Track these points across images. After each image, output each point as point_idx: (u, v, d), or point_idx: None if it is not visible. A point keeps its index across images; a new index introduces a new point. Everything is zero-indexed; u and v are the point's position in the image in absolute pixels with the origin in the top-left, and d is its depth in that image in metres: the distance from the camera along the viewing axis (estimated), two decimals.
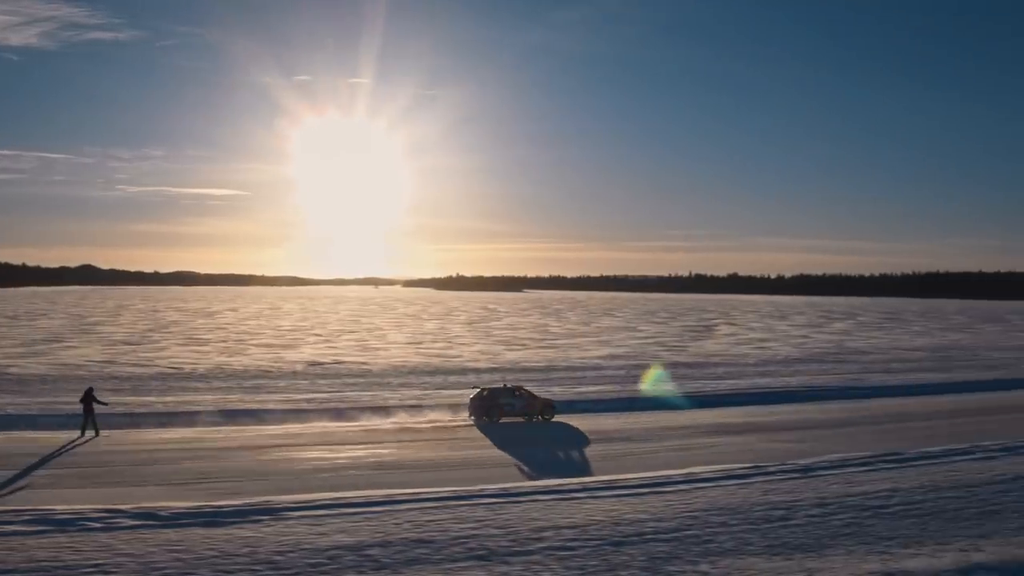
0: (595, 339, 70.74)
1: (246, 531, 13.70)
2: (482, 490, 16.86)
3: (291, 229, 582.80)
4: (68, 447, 22.68)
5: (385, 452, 22.91)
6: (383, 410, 30.16)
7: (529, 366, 46.69)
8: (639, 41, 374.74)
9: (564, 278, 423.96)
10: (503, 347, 60.90)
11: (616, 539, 13.61)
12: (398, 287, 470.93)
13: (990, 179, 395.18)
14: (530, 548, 13.00)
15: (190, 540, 13.10)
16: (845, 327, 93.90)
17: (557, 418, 28.74)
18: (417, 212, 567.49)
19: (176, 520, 14.26)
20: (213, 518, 14.38)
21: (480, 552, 12.76)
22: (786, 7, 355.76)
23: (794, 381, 40.42)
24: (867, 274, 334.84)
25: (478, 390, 29.33)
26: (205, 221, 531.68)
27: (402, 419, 28.79)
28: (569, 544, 13.26)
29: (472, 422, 28.04)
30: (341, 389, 35.53)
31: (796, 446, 24.01)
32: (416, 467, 20.75)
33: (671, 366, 46.18)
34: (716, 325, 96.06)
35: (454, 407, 30.02)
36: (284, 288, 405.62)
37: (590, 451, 23.68)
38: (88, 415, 24.42)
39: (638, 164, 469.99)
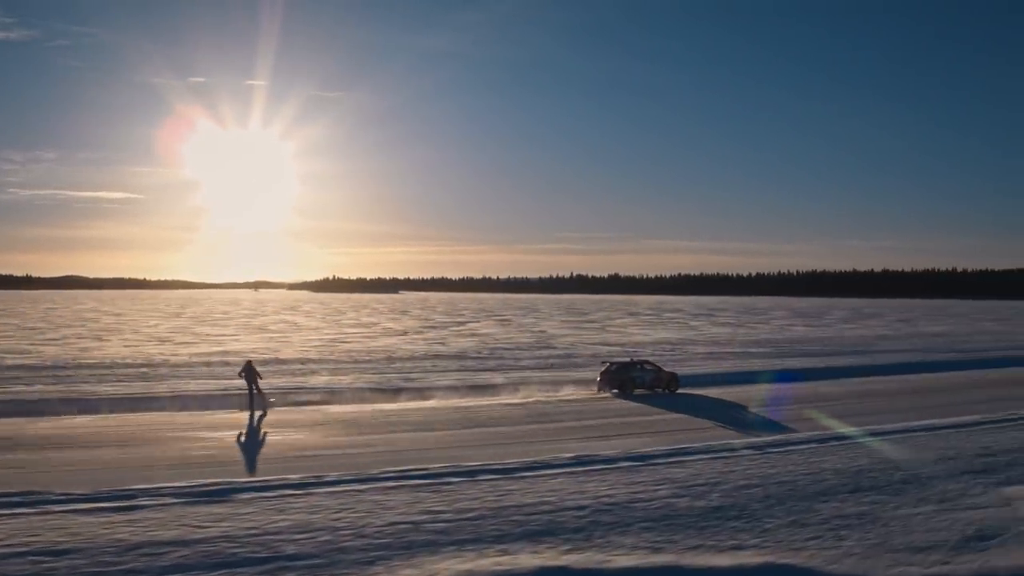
0: (267, 335, 61.42)
1: None
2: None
3: (187, 233, 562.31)
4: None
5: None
6: None
7: (111, 362, 38.38)
8: (539, 44, 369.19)
9: (448, 279, 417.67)
10: (154, 343, 52.04)
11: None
12: (283, 290, 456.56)
13: (888, 181, 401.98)
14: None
15: None
16: (617, 323, 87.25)
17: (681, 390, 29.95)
18: (314, 215, 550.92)
19: None
20: None
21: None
22: (686, 9, 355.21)
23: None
24: (744, 274, 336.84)
25: (607, 364, 30.40)
26: (99, 225, 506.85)
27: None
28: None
29: (607, 395, 28.97)
30: None
31: None
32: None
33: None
34: (475, 322, 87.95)
35: None
36: (166, 291, 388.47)
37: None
38: (254, 388, 24.21)
39: (537, 167, 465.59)
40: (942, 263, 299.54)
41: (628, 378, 29.18)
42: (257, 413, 23.77)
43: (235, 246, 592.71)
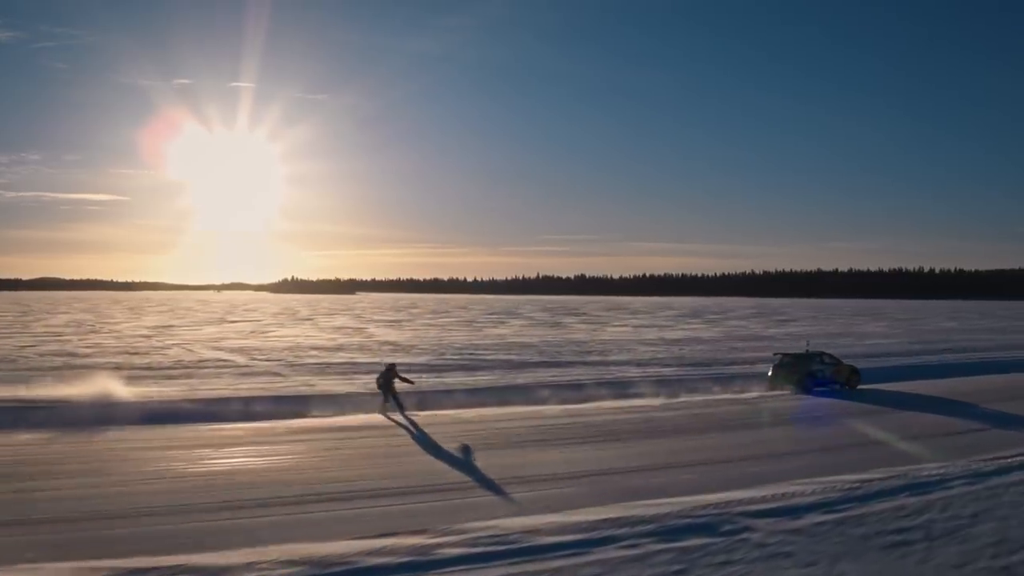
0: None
1: None
2: None
3: (172, 235, 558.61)
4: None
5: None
6: None
7: None
8: (525, 46, 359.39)
9: (415, 280, 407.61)
10: None
11: None
12: (249, 291, 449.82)
13: (875, 183, 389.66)
14: None
15: None
16: (443, 322, 77.01)
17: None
18: (300, 217, 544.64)
19: None
20: None
21: None
22: (670, 11, 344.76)
23: None
24: (712, 274, 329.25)
25: (780, 356, 27.14)
26: (83, 227, 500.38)
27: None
28: None
29: (784, 392, 25.29)
30: None
31: None
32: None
33: None
34: (308, 319, 77.88)
35: None
36: (134, 292, 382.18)
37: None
38: (389, 393, 21.24)
39: (525, 169, 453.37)
40: (927, 264, 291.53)
41: (808, 372, 25.68)
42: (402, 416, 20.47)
43: (220, 248, 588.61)
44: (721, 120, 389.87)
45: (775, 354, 28.56)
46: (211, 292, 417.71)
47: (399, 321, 77.56)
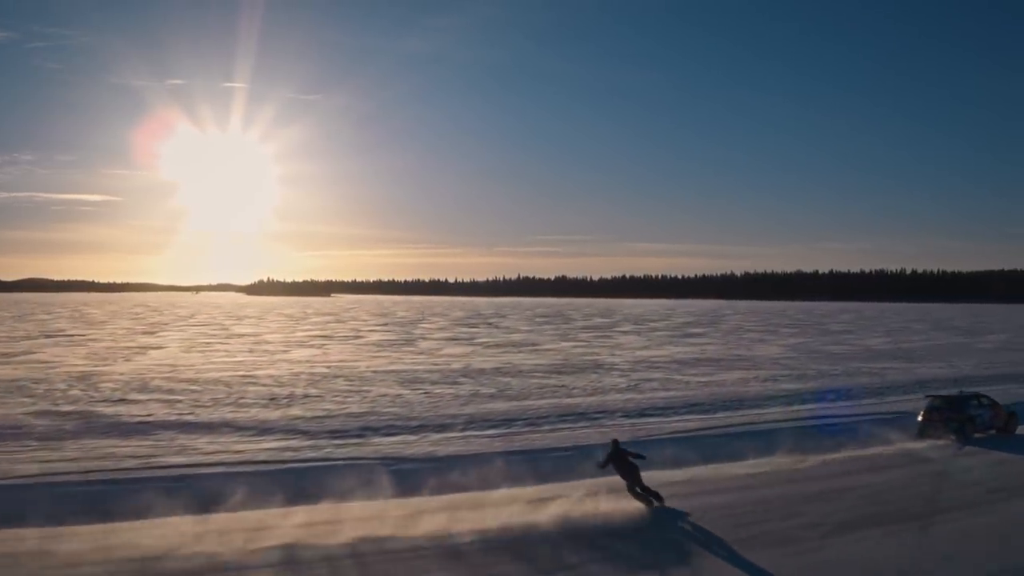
0: None
1: None
2: None
3: (165, 235, 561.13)
4: None
5: None
6: None
7: None
8: (518, 46, 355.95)
9: (396, 282, 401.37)
10: None
11: None
12: (232, 292, 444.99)
13: (873, 184, 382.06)
14: None
15: None
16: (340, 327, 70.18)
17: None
18: (293, 218, 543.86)
19: None
20: None
21: None
22: (664, 11, 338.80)
23: None
24: (690, 276, 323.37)
25: (930, 399, 24.06)
26: (77, 227, 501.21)
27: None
28: None
29: (944, 442, 22.04)
30: None
31: None
32: None
33: None
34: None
35: None
36: (117, 294, 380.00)
37: None
38: (633, 478, 15.67)
39: (519, 169, 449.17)
40: (921, 265, 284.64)
41: (967, 418, 22.83)
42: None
43: (213, 249, 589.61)
44: (714, 120, 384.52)
45: (925, 396, 25.49)
46: (189, 294, 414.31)
47: (243, 335, 70.57)
